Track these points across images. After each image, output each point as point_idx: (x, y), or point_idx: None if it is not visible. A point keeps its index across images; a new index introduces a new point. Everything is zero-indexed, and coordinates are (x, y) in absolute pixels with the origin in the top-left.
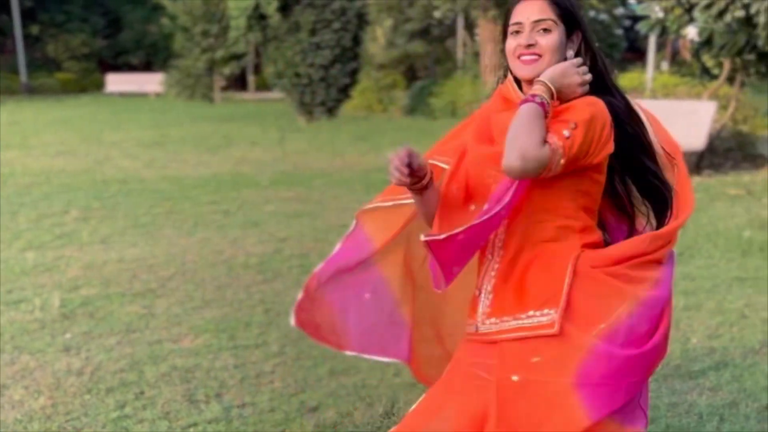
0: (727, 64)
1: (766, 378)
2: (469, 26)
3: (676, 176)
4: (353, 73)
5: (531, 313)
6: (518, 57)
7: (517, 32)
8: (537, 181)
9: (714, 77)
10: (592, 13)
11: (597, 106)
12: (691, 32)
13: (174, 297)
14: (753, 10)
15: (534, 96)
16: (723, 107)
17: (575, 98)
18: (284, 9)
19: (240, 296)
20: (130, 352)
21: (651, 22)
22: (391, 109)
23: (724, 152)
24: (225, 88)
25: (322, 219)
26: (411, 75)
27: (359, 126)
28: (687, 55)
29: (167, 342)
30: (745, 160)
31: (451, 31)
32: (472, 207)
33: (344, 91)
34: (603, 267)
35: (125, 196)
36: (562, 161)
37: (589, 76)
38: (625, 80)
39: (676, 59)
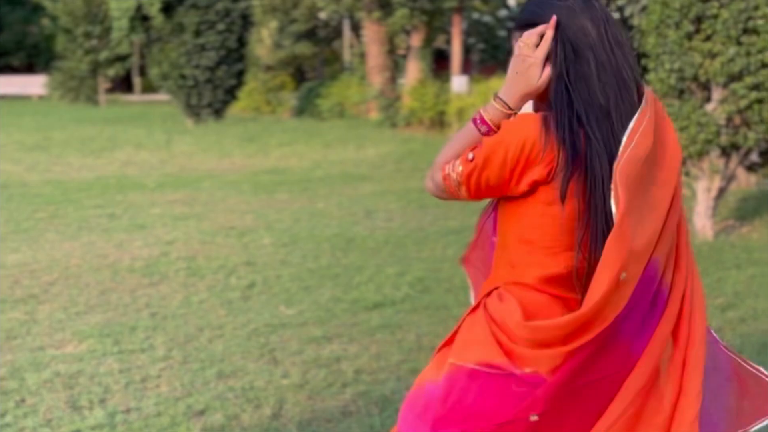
0: None
1: None
2: (356, 27)
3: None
4: (239, 75)
5: None
6: None
7: None
8: (502, 205)
9: None
10: (475, 16)
11: (512, 128)
12: None
13: (57, 302)
14: (627, 12)
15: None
16: None
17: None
18: (167, 10)
19: (125, 300)
20: (11, 359)
21: None
22: (280, 110)
23: None
24: (110, 90)
25: (210, 221)
26: (299, 76)
27: (247, 127)
28: None
29: (50, 348)
30: None
31: (338, 33)
32: None
33: (231, 93)
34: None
35: (6, 201)
36: (463, 188)
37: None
38: None
39: None
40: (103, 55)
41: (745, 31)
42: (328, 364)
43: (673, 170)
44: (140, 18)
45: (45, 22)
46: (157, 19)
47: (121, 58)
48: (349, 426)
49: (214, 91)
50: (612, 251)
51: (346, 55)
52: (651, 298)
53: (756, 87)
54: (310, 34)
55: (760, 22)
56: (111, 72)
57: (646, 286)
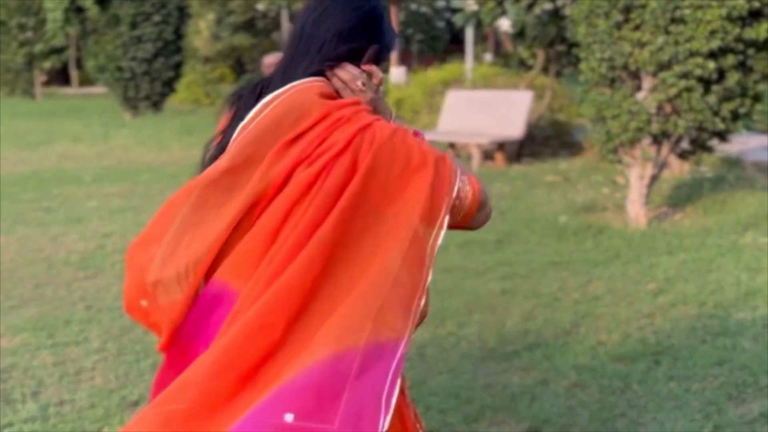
0: (540, 55)
1: (575, 357)
2: (294, 18)
3: None
4: (177, 67)
5: None
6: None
7: None
8: None
9: (529, 68)
10: (413, 6)
11: None
12: (504, 24)
13: None
14: (559, 2)
15: None
16: (540, 97)
17: None
18: (102, 2)
19: (60, 293)
20: None
21: (466, 14)
22: (219, 102)
23: (543, 141)
24: (47, 83)
25: (148, 213)
26: (239, 68)
27: (186, 120)
28: (510, 47)
29: None
30: (563, 148)
31: (277, 24)
32: None
33: (169, 85)
34: None
35: None
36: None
37: None
38: (445, 72)
39: (499, 51)
40: (39, 47)
41: (673, 20)
42: None
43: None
44: (75, 10)
45: None
46: (92, 10)
47: (57, 51)
48: None
49: (151, 84)
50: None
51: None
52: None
53: (685, 75)
54: (248, 26)
55: (687, 11)
56: (47, 65)
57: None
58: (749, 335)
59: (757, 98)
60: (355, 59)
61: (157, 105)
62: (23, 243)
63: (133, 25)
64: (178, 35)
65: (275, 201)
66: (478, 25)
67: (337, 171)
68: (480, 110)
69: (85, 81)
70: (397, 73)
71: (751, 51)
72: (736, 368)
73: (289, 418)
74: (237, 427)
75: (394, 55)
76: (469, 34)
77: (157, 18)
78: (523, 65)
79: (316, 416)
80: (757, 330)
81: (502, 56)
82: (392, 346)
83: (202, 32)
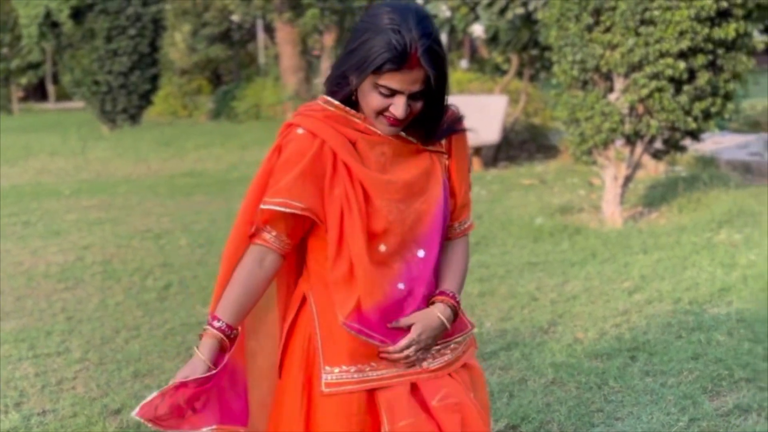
0: (514, 60)
1: (552, 355)
2: (269, 29)
3: None
4: (154, 79)
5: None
6: (384, 116)
7: (389, 95)
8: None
9: (504, 73)
10: None
11: None
12: (478, 30)
13: None
14: (531, 7)
15: None
16: (515, 101)
17: None
18: (77, 16)
19: (41, 305)
20: None
21: (440, 21)
22: (196, 114)
23: (519, 144)
24: (24, 99)
25: (126, 225)
26: (216, 80)
27: (163, 132)
28: (485, 53)
29: None
30: (539, 151)
31: (252, 35)
32: (382, 247)
33: (146, 98)
34: None
35: None
36: None
37: None
38: None
39: (475, 57)
40: (15, 63)
41: (643, 22)
42: None
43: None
44: (50, 24)
45: None
46: (67, 25)
47: (34, 66)
48: None
49: (128, 97)
50: None
51: (261, 57)
52: None
53: (656, 76)
54: (224, 37)
55: (657, 12)
56: (23, 80)
57: None
58: (724, 330)
59: (728, 97)
60: None
61: (134, 118)
62: (3, 257)
63: (109, 39)
64: (154, 48)
65: None
66: (452, 32)
67: None
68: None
69: (63, 96)
70: None
71: (720, 51)
72: (710, 362)
73: None
74: None
75: None
76: (443, 40)
77: (132, 31)
78: (498, 70)
79: None
80: (731, 324)
81: (477, 62)
82: None
83: (177, 44)
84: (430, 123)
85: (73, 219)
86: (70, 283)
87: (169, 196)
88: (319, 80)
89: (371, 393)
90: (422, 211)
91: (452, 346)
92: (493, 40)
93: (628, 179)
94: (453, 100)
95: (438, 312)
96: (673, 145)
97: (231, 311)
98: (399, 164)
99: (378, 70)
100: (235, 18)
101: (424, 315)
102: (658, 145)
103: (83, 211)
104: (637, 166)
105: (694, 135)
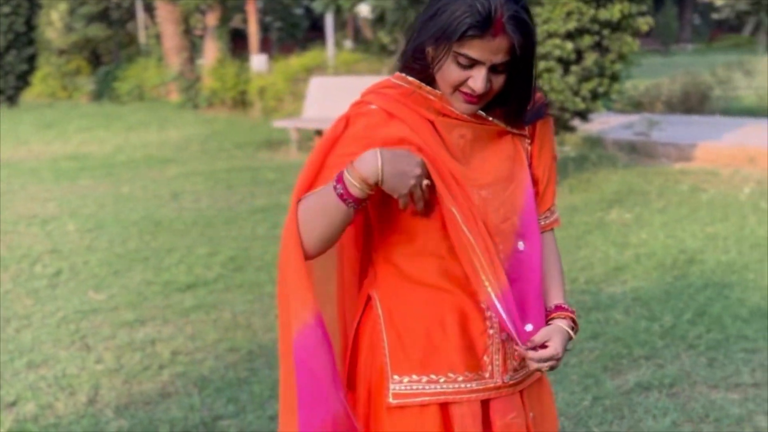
0: (401, 40)
1: None
2: (149, 8)
3: None
4: (31, 60)
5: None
6: (461, 91)
7: (468, 66)
8: None
9: (391, 53)
10: None
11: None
12: (364, 10)
13: None
14: None
15: None
16: None
17: None
18: None
19: None
20: None
21: (325, 1)
22: (76, 95)
23: None
24: None
25: (9, 210)
26: (95, 60)
27: (43, 114)
28: (369, 34)
29: None
30: None
31: (132, 14)
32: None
33: (23, 79)
34: None
35: None
36: None
37: None
38: (307, 59)
39: (358, 37)
40: None
41: (530, 3)
42: (143, 347)
43: None
44: None
45: None
46: None
47: None
48: (168, 407)
49: (5, 78)
50: None
51: (142, 37)
52: None
53: (544, 57)
54: (102, 17)
55: None
56: None
57: None
58: (620, 309)
59: (614, 78)
60: None
61: (12, 99)
62: None
63: None
64: (30, 27)
65: None
66: (338, 12)
67: None
68: (344, 96)
69: None
70: (257, 61)
71: (606, 32)
72: (610, 341)
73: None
74: None
75: (253, 43)
76: (330, 21)
77: (6, 9)
78: (385, 50)
79: None
80: (627, 303)
81: (361, 42)
82: None
83: (54, 23)
84: (517, 104)
85: None
86: None
87: (53, 180)
88: (203, 61)
89: (444, 407)
90: (513, 200)
91: None
92: (379, 20)
93: None
94: (342, 80)
95: (566, 327)
96: (563, 126)
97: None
98: (480, 149)
99: (459, 38)
100: None
101: (557, 330)
102: None
103: None
104: None
105: (583, 115)
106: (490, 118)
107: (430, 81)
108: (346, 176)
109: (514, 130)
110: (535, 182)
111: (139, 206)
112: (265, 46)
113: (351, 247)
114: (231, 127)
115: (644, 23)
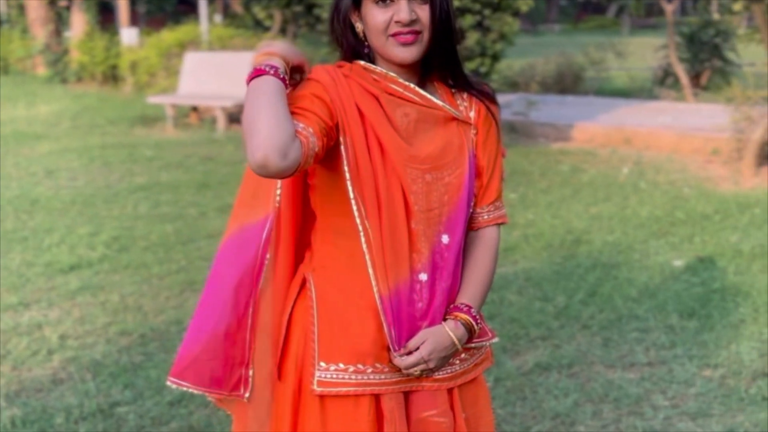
0: (278, 16)
1: None
2: None
3: None
4: None
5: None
6: (393, 37)
7: (388, 4)
8: None
9: (267, 29)
10: None
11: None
12: None
13: None
14: None
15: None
16: None
17: None
18: None
19: None
20: None
21: None
22: None
23: None
24: None
25: None
26: None
27: None
28: (239, 8)
29: None
30: None
31: None
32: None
33: None
34: None
35: None
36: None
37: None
38: (180, 33)
39: (228, 12)
40: None
41: None
42: (30, 331)
43: None
44: None
45: None
46: None
47: None
48: (62, 394)
49: None
50: None
51: (3, 7)
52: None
53: None
54: None
55: None
56: None
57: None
58: (514, 289)
59: (495, 57)
60: None
61: None
62: None
63: None
64: None
65: None
66: None
67: None
68: (220, 72)
69: None
70: (128, 34)
71: (487, 11)
72: (506, 322)
73: None
74: None
75: (122, 16)
76: None
77: None
78: (260, 26)
79: None
80: (520, 284)
81: (231, 17)
82: None
83: None
84: (447, 63)
85: None
86: None
87: None
88: (70, 33)
89: (377, 400)
90: (451, 189)
91: (463, 355)
92: None
93: None
94: (217, 56)
95: (449, 330)
96: None
97: None
98: (423, 131)
99: None
100: None
101: (435, 333)
102: None
103: None
104: None
105: None
106: (437, 101)
107: (371, 61)
108: (252, 64)
109: (460, 117)
110: (479, 173)
111: (13, 184)
112: (133, 20)
113: (288, 226)
114: (103, 103)
115: (524, 3)
